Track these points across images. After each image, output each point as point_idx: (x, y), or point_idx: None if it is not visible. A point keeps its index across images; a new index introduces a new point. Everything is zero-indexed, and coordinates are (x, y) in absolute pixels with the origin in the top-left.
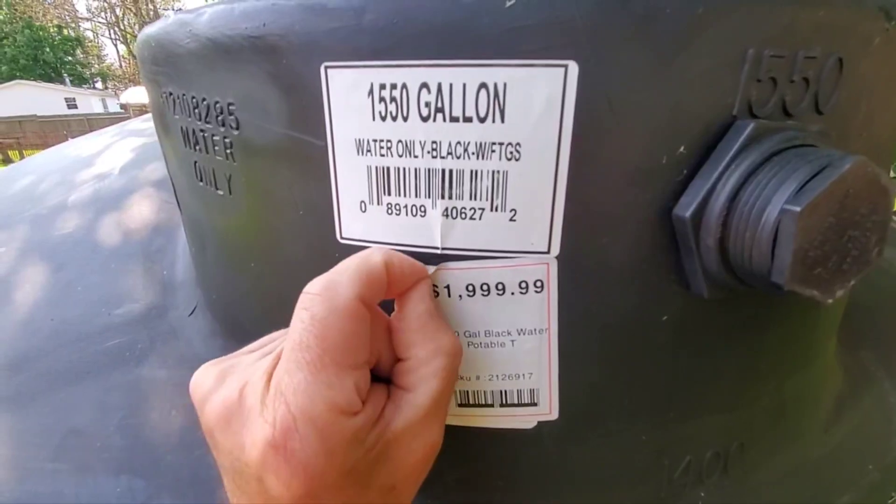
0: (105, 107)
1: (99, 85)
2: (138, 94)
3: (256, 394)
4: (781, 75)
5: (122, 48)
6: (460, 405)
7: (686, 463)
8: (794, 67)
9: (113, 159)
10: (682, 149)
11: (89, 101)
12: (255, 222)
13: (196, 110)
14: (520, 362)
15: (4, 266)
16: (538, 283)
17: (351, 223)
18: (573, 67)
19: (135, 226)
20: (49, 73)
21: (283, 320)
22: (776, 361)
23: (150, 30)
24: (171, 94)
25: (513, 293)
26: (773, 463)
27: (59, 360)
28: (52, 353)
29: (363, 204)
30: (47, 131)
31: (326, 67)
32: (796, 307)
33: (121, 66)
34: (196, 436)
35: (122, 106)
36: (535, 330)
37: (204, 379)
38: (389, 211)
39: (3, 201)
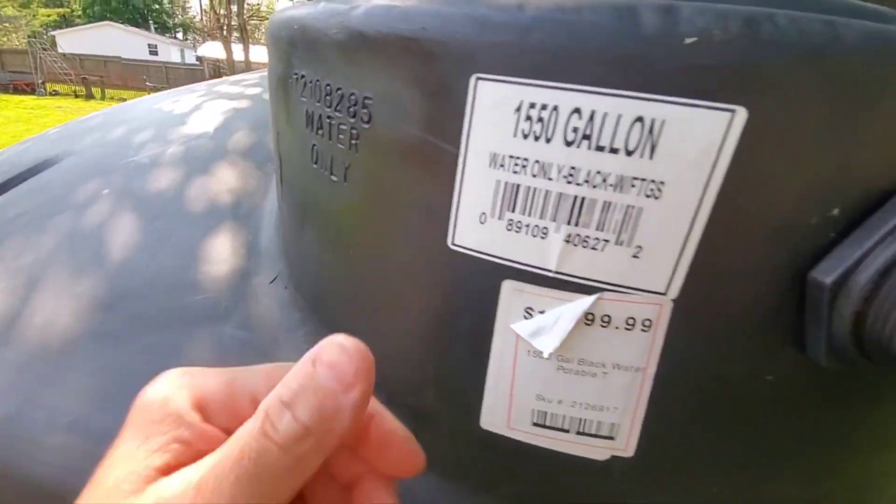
0: (182, 57)
1: (179, 35)
2: (214, 49)
3: None
4: None
5: (205, 1)
6: (535, 424)
7: None
8: None
9: (203, 121)
10: (835, 211)
11: (169, 50)
12: (365, 212)
13: (328, 97)
14: (608, 395)
15: (106, 209)
16: (646, 323)
17: (466, 232)
18: (741, 113)
19: (223, 189)
20: (136, 17)
21: (368, 307)
22: (870, 437)
23: (294, 12)
24: (303, 76)
25: (617, 327)
26: None
27: (151, 305)
28: (146, 297)
29: (483, 216)
30: (128, 73)
31: (478, 79)
32: None
33: (202, 19)
34: None
35: (198, 58)
36: (631, 367)
37: None
38: (509, 227)
39: (103, 146)
